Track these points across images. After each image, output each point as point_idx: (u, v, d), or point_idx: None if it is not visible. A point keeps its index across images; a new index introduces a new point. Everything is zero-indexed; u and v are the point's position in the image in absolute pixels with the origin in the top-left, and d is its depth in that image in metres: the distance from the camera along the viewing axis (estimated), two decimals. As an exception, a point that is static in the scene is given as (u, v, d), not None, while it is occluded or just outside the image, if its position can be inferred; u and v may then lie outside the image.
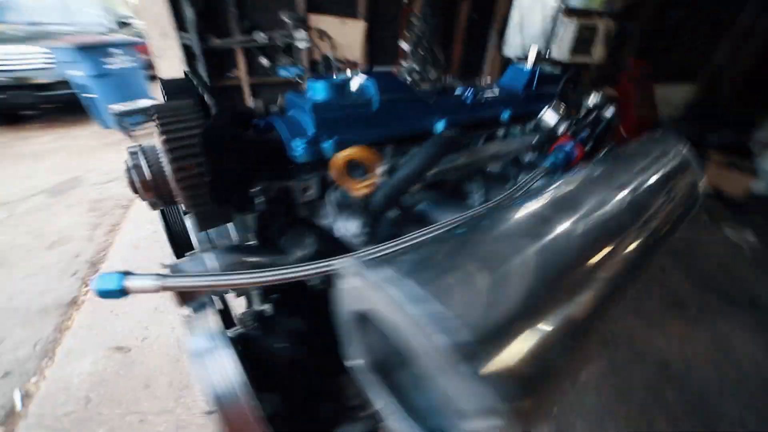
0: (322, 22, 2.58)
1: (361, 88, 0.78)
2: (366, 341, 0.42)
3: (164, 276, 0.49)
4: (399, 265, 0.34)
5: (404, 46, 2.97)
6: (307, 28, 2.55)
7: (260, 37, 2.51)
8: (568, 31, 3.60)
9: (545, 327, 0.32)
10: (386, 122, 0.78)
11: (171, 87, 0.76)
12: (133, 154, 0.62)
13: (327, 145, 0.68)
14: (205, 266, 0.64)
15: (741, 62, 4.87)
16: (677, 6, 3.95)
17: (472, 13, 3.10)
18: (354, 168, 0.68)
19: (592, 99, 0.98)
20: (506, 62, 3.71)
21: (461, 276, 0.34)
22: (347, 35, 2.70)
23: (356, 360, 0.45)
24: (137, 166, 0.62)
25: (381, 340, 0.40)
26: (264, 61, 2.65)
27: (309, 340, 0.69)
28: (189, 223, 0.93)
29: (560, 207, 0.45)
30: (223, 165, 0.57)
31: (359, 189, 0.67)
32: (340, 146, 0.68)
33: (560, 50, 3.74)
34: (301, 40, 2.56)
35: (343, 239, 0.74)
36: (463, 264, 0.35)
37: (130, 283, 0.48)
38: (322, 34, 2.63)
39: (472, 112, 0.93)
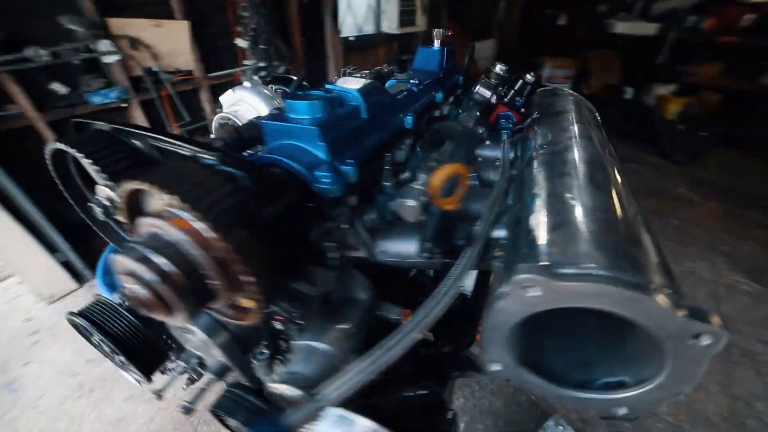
0: (130, 27, 2.07)
1: (346, 98, 0.70)
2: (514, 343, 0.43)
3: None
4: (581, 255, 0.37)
5: (241, 43, 2.70)
6: (111, 36, 2.02)
7: (38, 54, 1.85)
8: (391, 5, 3.87)
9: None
10: (375, 128, 0.73)
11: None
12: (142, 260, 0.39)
13: (348, 168, 0.60)
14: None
15: (513, 19, 6.17)
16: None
17: (302, -1, 3.01)
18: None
19: (501, 68, 1.09)
20: (348, 44, 3.79)
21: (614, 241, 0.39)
22: (169, 40, 2.27)
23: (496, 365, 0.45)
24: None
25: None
26: (59, 88, 2.01)
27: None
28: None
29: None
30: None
31: (451, 204, 0.59)
32: (358, 166, 0.61)
33: (390, 24, 4.00)
34: (107, 53, 2.02)
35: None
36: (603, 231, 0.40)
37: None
38: (136, 43, 2.14)
39: (420, 100, 0.95)
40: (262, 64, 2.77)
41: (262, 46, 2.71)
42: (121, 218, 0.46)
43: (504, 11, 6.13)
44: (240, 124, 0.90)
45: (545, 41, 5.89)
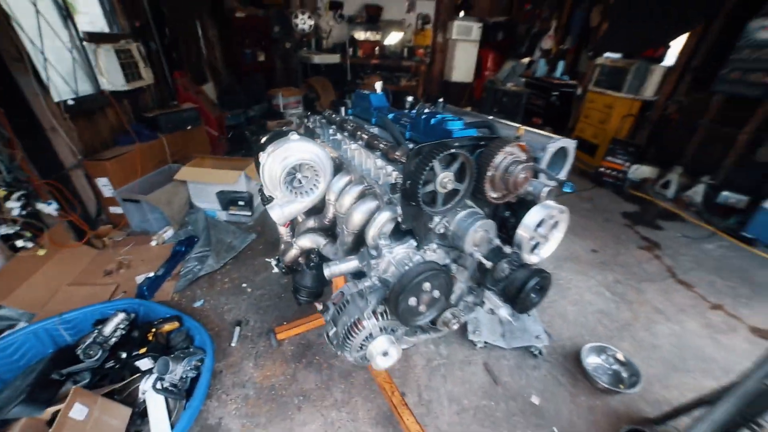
0: None
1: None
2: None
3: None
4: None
5: None
6: None
7: None
8: (109, 60, 3.28)
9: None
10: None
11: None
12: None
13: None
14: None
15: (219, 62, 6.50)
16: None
17: None
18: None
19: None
20: (69, 109, 2.90)
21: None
22: None
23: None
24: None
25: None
26: None
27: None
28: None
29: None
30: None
31: None
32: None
33: (112, 80, 3.40)
34: None
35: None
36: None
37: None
38: None
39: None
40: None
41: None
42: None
43: (206, 55, 6.29)
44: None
45: (251, 75, 6.75)
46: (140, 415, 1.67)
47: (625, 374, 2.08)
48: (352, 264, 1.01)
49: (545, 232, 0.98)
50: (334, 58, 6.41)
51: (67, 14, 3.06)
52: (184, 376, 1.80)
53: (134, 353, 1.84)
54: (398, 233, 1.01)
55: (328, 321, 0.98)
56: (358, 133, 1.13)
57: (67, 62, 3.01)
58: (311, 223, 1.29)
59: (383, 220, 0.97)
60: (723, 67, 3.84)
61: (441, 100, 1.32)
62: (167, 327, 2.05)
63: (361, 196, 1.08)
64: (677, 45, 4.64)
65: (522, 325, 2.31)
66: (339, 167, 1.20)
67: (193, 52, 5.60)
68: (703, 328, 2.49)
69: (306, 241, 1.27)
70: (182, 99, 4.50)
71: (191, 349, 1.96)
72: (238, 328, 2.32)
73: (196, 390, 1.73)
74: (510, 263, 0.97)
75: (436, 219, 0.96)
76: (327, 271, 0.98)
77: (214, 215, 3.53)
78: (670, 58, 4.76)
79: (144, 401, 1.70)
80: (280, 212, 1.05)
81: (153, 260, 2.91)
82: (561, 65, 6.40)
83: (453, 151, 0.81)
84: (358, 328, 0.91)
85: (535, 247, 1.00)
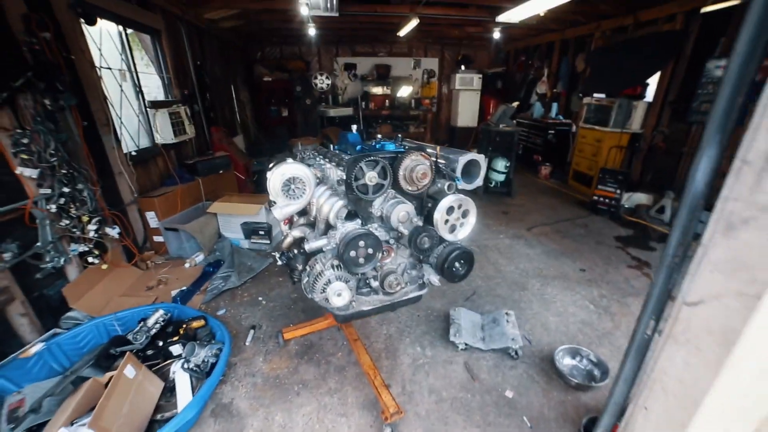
0: None
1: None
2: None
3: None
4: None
5: (28, 172, 2.26)
6: None
7: None
8: (163, 121, 4.12)
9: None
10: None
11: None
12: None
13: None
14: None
15: (249, 118, 7.56)
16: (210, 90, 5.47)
17: (82, 121, 2.81)
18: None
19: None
20: (132, 158, 3.66)
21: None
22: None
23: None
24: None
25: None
26: None
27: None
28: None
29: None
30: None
31: None
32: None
33: (163, 136, 4.20)
34: None
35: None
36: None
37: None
38: None
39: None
40: (66, 190, 2.41)
41: (63, 171, 2.38)
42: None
43: (238, 113, 7.37)
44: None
45: (275, 128, 7.80)
46: (170, 389, 2.05)
47: (597, 372, 2.25)
48: (322, 241, 1.43)
49: (457, 217, 1.38)
50: (347, 111, 7.33)
51: (139, 90, 3.99)
52: (206, 360, 2.19)
53: (168, 341, 2.26)
54: (351, 216, 1.44)
55: (304, 270, 1.39)
56: (332, 157, 1.62)
57: (135, 124, 3.85)
58: (301, 220, 1.74)
59: (338, 206, 1.42)
60: (693, 100, 4.21)
61: (399, 135, 1.82)
62: (195, 324, 2.47)
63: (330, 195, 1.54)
64: (654, 82, 5.08)
65: (501, 330, 2.55)
66: (321, 181, 1.68)
67: (228, 111, 6.65)
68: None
69: (297, 232, 1.72)
70: (216, 148, 5.35)
71: (213, 342, 2.36)
72: (252, 331, 2.71)
73: (214, 371, 2.11)
74: (430, 238, 1.37)
75: (376, 205, 1.39)
76: (306, 246, 1.40)
77: (238, 244, 4.08)
78: (650, 94, 5.19)
79: (173, 380, 2.09)
80: (280, 212, 1.52)
81: (186, 278, 3.42)
82: (555, 107, 6.96)
83: (372, 157, 1.27)
84: (321, 276, 1.30)
85: (453, 229, 1.40)
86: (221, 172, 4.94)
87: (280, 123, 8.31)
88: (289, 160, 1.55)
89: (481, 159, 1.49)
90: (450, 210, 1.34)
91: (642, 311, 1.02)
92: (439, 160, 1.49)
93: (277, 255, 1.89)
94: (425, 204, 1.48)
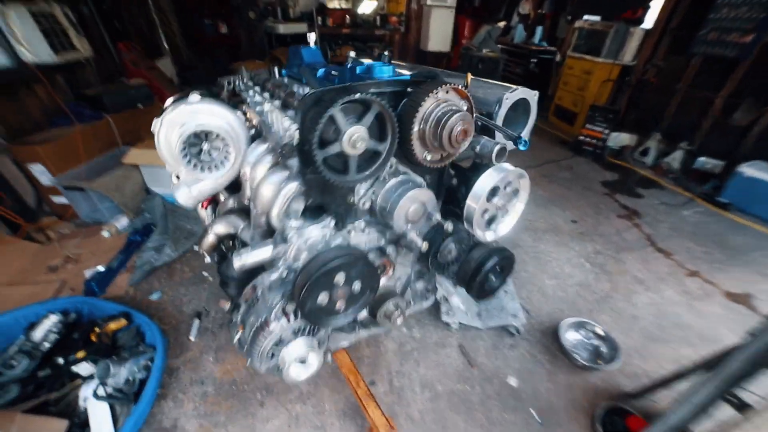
0: None
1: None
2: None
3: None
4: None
5: None
6: None
7: None
8: (22, 23, 2.83)
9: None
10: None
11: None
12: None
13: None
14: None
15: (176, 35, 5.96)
16: None
17: None
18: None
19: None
20: None
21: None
22: None
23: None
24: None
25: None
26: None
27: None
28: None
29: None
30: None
31: None
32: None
33: (34, 51, 2.96)
34: None
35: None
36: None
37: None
38: None
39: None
40: None
41: None
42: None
43: (159, 26, 5.74)
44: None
45: (213, 49, 6.28)
46: (81, 426, 1.50)
47: (604, 348, 2.03)
48: (266, 251, 0.82)
49: (502, 203, 0.82)
50: (301, 28, 5.95)
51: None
52: (131, 378, 1.63)
53: (71, 358, 1.65)
54: (315, 213, 0.83)
55: (236, 323, 0.82)
56: (277, 91, 0.93)
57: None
58: (230, 201, 1.09)
59: (290, 194, 0.79)
60: (701, 27, 3.71)
61: (387, 52, 1.11)
62: (113, 326, 1.85)
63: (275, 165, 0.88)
64: (656, 6, 4.46)
65: (499, 303, 2.22)
66: (259, 134, 1.00)
67: (143, 22, 5.08)
68: (681, 296, 2.47)
69: (222, 227, 1.06)
70: (131, 75, 4.09)
71: (140, 348, 1.78)
72: (197, 321, 2.14)
73: (143, 393, 1.57)
74: (459, 242, 0.82)
75: (361, 190, 0.79)
76: (237, 261, 0.80)
77: (173, 201, 3.26)
78: (649, 20, 4.60)
79: (85, 412, 1.53)
80: (187, 193, 0.86)
81: (105, 252, 2.66)
82: (539, 31, 6.15)
83: (359, 95, 0.62)
84: (265, 330, 0.75)
85: (491, 221, 0.85)
86: (140, 106, 3.79)
87: (219, 42, 6.74)
88: (194, 96, 0.84)
89: (533, 97, 0.90)
90: (492, 193, 0.77)
91: None
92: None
93: (203, 251, 1.23)
94: (445, 180, 0.90)
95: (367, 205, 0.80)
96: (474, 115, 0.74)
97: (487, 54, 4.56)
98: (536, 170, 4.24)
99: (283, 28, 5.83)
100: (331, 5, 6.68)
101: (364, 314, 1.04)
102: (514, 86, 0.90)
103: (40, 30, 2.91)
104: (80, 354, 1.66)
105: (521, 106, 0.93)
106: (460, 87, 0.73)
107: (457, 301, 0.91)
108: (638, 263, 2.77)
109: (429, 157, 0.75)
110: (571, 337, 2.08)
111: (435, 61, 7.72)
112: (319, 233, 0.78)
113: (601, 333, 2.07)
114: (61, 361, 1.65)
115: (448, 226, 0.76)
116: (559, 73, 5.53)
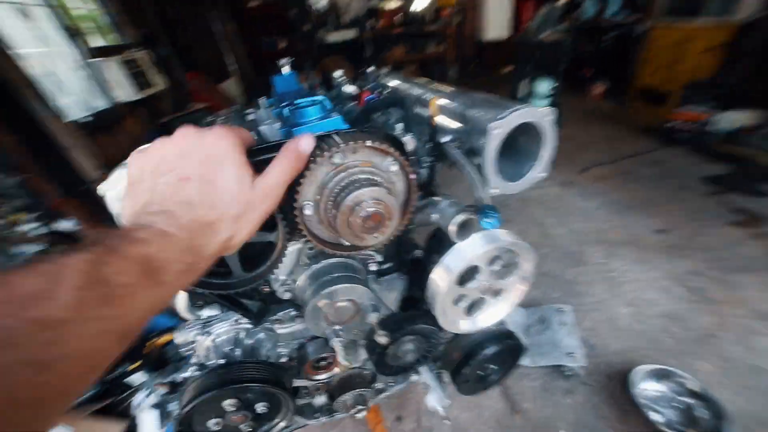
0: None
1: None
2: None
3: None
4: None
5: None
6: None
7: None
8: (113, 74, 3.33)
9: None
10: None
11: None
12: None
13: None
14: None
15: (242, 56, 6.50)
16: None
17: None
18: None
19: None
20: (87, 126, 3.02)
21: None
22: None
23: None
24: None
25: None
26: None
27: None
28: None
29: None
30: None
31: None
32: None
33: (124, 92, 3.46)
34: None
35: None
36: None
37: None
38: None
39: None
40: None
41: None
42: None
43: (230, 52, 6.32)
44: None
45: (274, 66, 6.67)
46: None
47: (701, 412, 1.54)
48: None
49: (488, 284, 0.59)
50: (350, 34, 6.00)
51: (75, 33, 3.15)
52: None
53: (126, 369, 1.84)
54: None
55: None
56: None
57: (76, 83, 3.11)
58: None
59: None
60: None
61: (342, 77, 0.95)
62: (162, 340, 2.03)
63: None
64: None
65: (552, 335, 1.89)
66: None
67: (211, 52, 5.64)
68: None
69: None
70: (196, 99, 4.55)
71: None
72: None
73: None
74: (418, 348, 0.62)
75: (281, 276, 0.63)
76: (179, 336, 0.73)
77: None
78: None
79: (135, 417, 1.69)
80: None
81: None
82: (615, 0, 5.22)
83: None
84: None
85: (473, 306, 0.63)
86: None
87: (280, 57, 7.17)
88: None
89: (547, 119, 0.65)
90: (471, 275, 0.56)
91: None
92: (438, 122, 0.67)
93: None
94: (404, 255, 0.70)
95: (287, 296, 0.66)
96: (412, 176, 0.51)
97: (548, 38, 3.99)
98: (611, 167, 3.58)
99: (330, 37, 5.95)
100: (382, 6, 6.62)
101: (321, 401, 0.90)
102: (516, 105, 0.66)
103: (128, 73, 3.39)
104: (134, 366, 1.84)
105: (531, 134, 0.69)
106: (376, 145, 0.49)
107: (434, 401, 0.72)
108: (762, 291, 2.10)
109: (347, 242, 0.54)
110: (650, 387, 1.66)
111: (494, 51, 7.17)
112: (229, 329, 0.67)
113: (696, 389, 1.59)
114: (119, 370, 1.85)
115: (381, 339, 0.58)
116: (642, 48, 4.61)
